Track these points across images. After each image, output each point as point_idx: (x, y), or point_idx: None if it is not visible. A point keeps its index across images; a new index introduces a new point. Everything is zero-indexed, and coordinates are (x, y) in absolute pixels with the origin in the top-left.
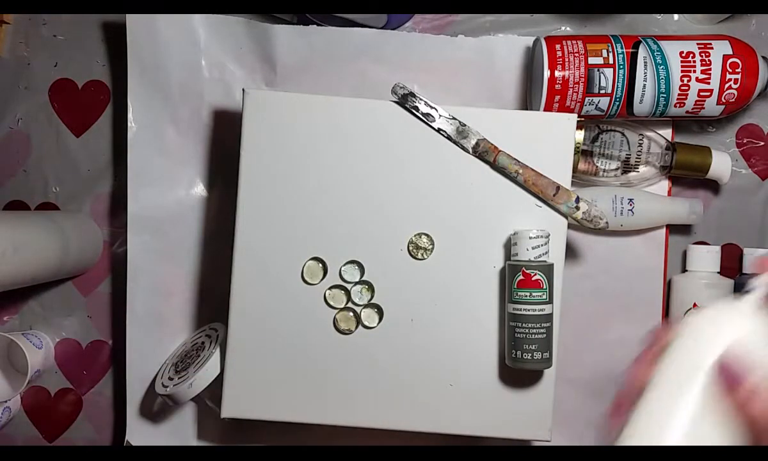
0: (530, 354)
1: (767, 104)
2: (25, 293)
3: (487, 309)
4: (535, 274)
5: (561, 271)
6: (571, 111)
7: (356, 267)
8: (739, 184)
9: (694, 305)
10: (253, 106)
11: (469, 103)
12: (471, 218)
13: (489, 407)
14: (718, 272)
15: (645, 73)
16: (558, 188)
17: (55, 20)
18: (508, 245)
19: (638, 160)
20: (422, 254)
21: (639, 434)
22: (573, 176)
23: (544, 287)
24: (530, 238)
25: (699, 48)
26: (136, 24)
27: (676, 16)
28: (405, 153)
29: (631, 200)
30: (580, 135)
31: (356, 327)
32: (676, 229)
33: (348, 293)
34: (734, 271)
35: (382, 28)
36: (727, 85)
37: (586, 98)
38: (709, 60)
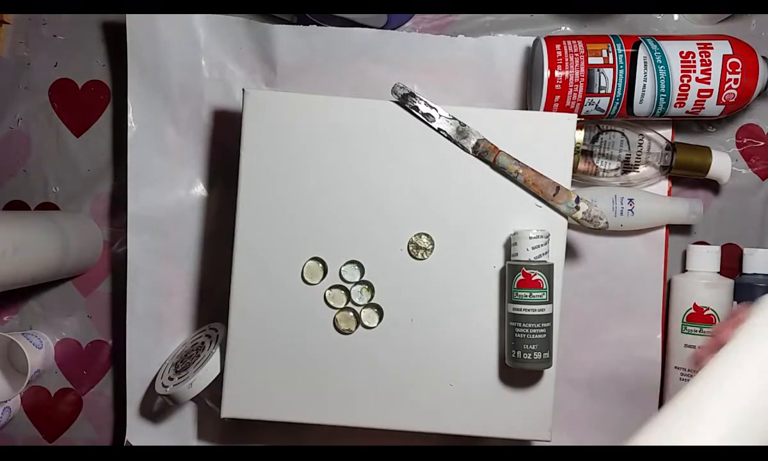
0: (530, 354)
1: (767, 104)
2: (25, 293)
3: (487, 309)
4: (535, 274)
5: (561, 271)
6: (571, 111)
7: (356, 267)
8: (739, 184)
9: (694, 305)
10: (253, 106)
11: (469, 103)
12: (471, 218)
13: (489, 407)
14: (718, 272)
15: (645, 73)
16: (558, 188)
17: (55, 20)
18: (508, 245)
19: (638, 160)
20: (422, 254)
21: (717, 370)
22: (573, 176)
23: (544, 287)
24: (530, 238)
25: (699, 48)
26: (136, 24)
27: (676, 16)
28: (405, 153)
29: (631, 200)
30: (580, 135)
31: (356, 327)
32: (676, 229)
33: (348, 293)
34: (734, 271)
35: (382, 28)
36: (727, 85)
37: (586, 98)
38: (709, 60)
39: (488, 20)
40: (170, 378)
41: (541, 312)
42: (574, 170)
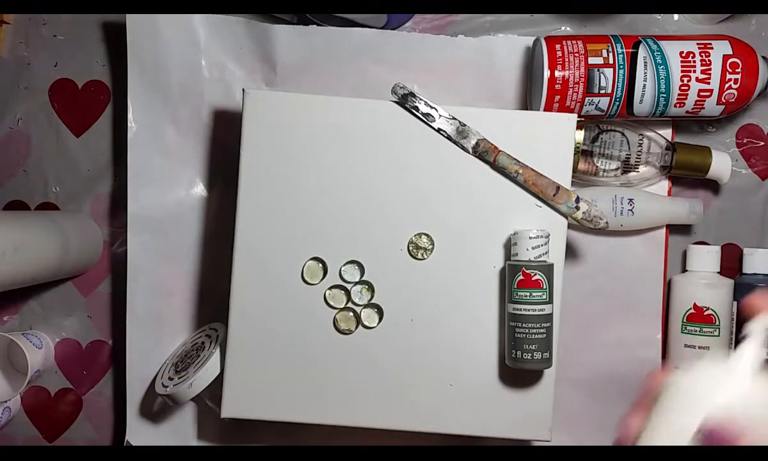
0: (530, 354)
1: (767, 104)
2: (25, 293)
3: (487, 309)
4: (535, 274)
5: (561, 271)
6: (571, 111)
7: (356, 267)
8: (739, 184)
9: (694, 305)
10: (253, 106)
11: (469, 103)
12: (471, 218)
13: (489, 407)
14: (718, 272)
15: (645, 73)
16: (558, 188)
17: (55, 20)
18: (508, 245)
19: (638, 160)
20: (422, 254)
21: None
22: (573, 176)
23: (544, 287)
24: (530, 238)
25: (699, 48)
26: (136, 24)
27: (676, 16)
28: (405, 153)
29: (631, 200)
30: (580, 135)
31: (356, 327)
32: (676, 229)
33: (348, 293)
34: (734, 271)
35: (382, 28)
36: (727, 85)
37: (586, 98)
38: (709, 60)
39: (488, 20)
40: (170, 378)
41: (541, 312)
42: (574, 170)
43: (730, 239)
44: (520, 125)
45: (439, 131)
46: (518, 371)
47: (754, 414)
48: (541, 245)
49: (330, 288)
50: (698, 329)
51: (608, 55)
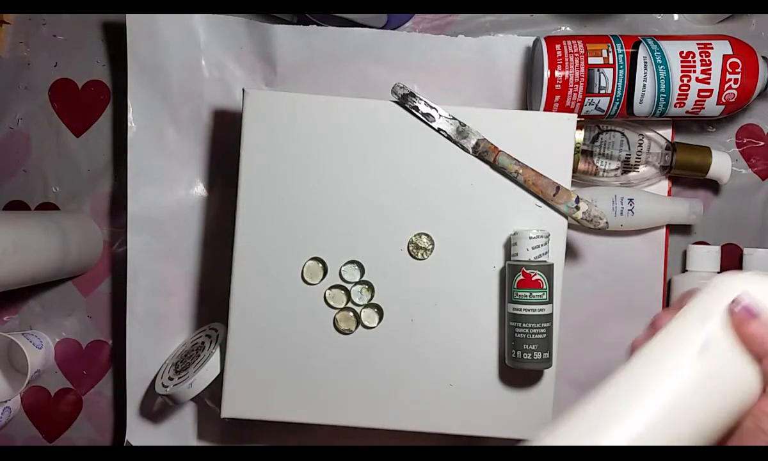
0: (530, 354)
1: (767, 104)
2: (25, 293)
3: (487, 309)
4: (535, 274)
5: (561, 271)
6: (571, 111)
7: (356, 267)
8: (739, 184)
9: None
10: (253, 106)
11: (469, 103)
12: (471, 218)
13: (489, 407)
14: (718, 272)
15: (645, 73)
16: (558, 188)
17: (55, 20)
18: (508, 245)
19: (638, 160)
20: (422, 254)
21: (658, 350)
22: (573, 176)
23: (544, 287)
24: (530, 238)
25: (699, 48)
26: (136, 24)
27: (676, 16)
28: (405, 153)
29: (631, 200)
30: (580, 135)
31: (356, 327)
32: (676, 229)
33: (348, 293)
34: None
35: (382, 28)
36: (727, 85)
37: (586, 98)
38: (709, 60)
39: (488, 20)
40: (170, 378)
41: (541, 312)
42: (574, 170)
43: (730, 239)
44: (520, 125)
45: (439, 131)
46: (518, 371)
47: None
48: (541, 245)
49: (330, 288)
50: None
51: (608, 55)
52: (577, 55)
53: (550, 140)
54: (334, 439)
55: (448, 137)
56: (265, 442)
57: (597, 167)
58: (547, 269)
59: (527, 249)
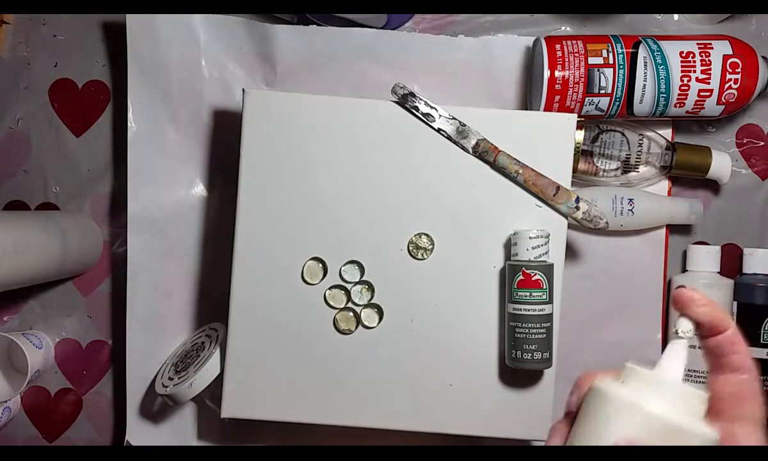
0: (530, 354)
1: (767, 104)
2: (25, 293)
3: (487, 309)
4: (535, 274)
5: (561, 271)
6: (571, 111)
7: (356, 267)
8: (739, 184)
9: None
10: (253, 106)
11: (469, 103)
12: (471, 218)
13: (489, 407)
14: (718, 272)
15: (645, 73)
16: (558, 188)
17: (55, 20)
18: (508, 245)
19: (638, 160)
20: (422, 254)
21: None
22: (573, 176)
23: (544, 287)
24: (530, 238)
25: (699, 48)
26: (136, 24)
27: (676, 16)
28: (405, 153)
29: (631, 200)
30: (580, 135)
31: (356, 327)
32: (676, 229)
33: (348, 293)
34: (734, 271)
35: (382, 28)
36: (727, 85)
37: (586, 98)
38: (709, 60)
39: (488, 20)
40: (170, 378)
41: (541, 312)
42: (574, 170)
43: (730, 239)
44: (520, 125)
45: (439, 131)
46: (518, 371)
47: (660, 440)
48: (541, 245)
49: (330, 288)
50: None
51: (608, 55)
52: (577, 55)
53: (550, 140)
54: (334, 439)
55: (448, 137)
56: (265, 442)
57: (597, 167)
58: (547, 269)
59: (527, 249)
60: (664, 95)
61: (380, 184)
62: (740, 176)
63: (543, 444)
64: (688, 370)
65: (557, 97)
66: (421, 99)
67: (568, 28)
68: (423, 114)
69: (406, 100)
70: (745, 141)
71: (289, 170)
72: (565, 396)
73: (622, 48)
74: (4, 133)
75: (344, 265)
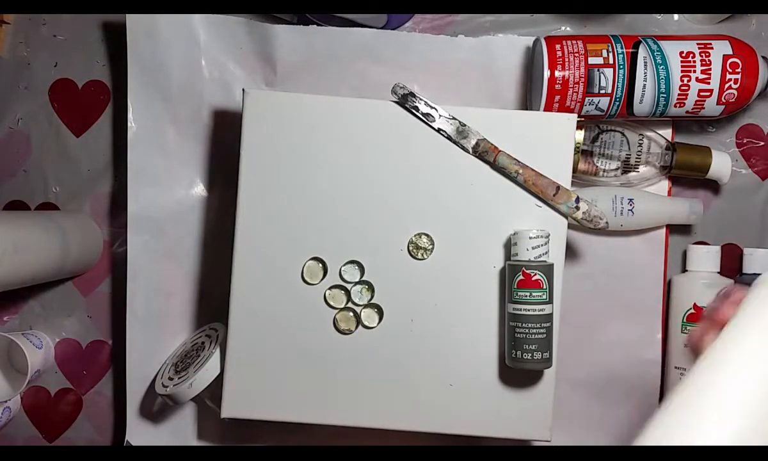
0: (530, 354)
1: (767, 104)
2: (25, 293)
3: (487, 309)
4: (535, 274)
5: (561, 271)
6: (571, 111)
7: (356, 267)
8: (739, 184)
9: (694, 305)
10: (253, 106)
11: (469, 103)
12: (471, 218)
13: (489, 407)
14: (718, 272)
15: (645, 73)
16: (558, 188)
17: (55, 20)
18: (508, 245)
19: (638, 160)
20: (422, 254)
21: (719, 360)
22: (573, 176)
23: (544, 287)
24: (530, 238)
25: (699, 48)
26: (136, 24)
27: (676, 16)
28: (405, 153)
29: (631, 200)
30: (580, 135)
31: (356, 327)
32: (676, 229)
33: (348, 293)
34: (734, 271)
35: (382, 28)
36: (727, 85)
37: (586, 98)
38: (709, 60)
39: (488, 20)
40: (170, 378)
41: (541, 312)
42: (574, 170)
43: (730, 239)
44: (520, 125)
45: (439, 131)
46: (518, 371)
47: None
48: (541, 245)
49: (330, 288)
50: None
51: (608, 55)
52: (577, 55)
53: (550, 140)
54: (334, 439)
55: (448, 137)
56: (265, 442)
57: (597, 167)
58: (547, 269)
59: (527, 249)
60: (664, 95)
61: (380, 184)
62: (740, 176)
63: (545, 443)
64: (675, 366)
65: (557, 97)
66: (421, 99)
67: (568, 28)
68: (423, 114)
69: (406, 100)
70: (745, 141)
71: (289, 170)
72: (565, 396)
73: (622, 48)
74: (4, 133)
75: (344, 265)
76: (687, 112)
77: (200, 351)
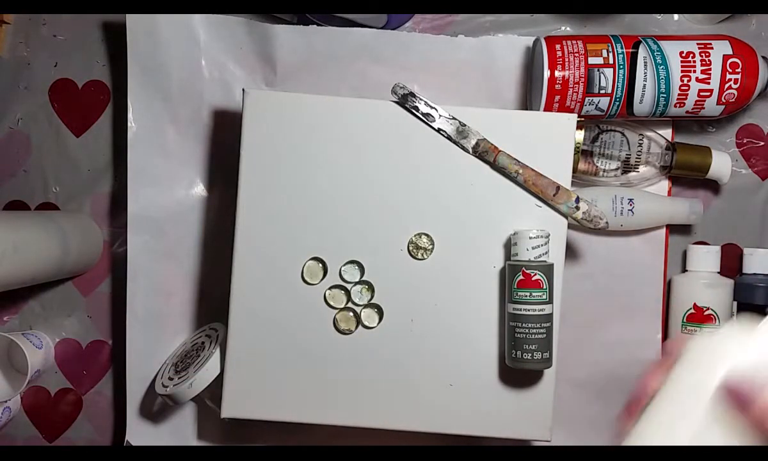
0: (530, 354)
1: (767, 104)
2: (25, 293)
3: (487, 309)
4: (535, 274)
5: (561, 271)
6: (571, 111)
7: (356, 267)
8: (739, 184)
9: (694, 305)
10: (253, 106)
11: (469, 103)
12: (471, 218)
13: (489, 407)
14: (718, 272)
15: (645, 73)
16: (558, 188)
17: (55, 20)
18: (508, 245)
19: (638, 160)
20: (422, 254)
21: (646, 437)
22: (573, 176)
23: (544, 287)
24: (530, 238)
25: (699, 48)
26: (136, 24)
27: (676, 16)
28: (405, 153)
29: (631, 200)
30: (580, 135)
31: (356, 327)
32: (676, 229)
33: (348, 293)
34: (734, 271)
35: (382, 28)
36: (727, 85)
37: (586, 98)
38: (709, 60)
39: (488, 20)
40: (170, 378)
41: (541, 312)
42: (574, 170)
43: (730, 239)
44: (520, 125)
45: (439, 131)
46: (518, 371)
47: None
48: (541, 245)
49: (330, 288)
50: (698, 329)
51: (608, 55)
52: (577, 55)
53: (550, 140)
54: (334, 439)
55: (448, 137)
56: (265, 442)
57: (597, 167)
58: (547, 269)
59: (527, 249)
60: (664, 95)
61: (380, 184)
62: (740, 176)
63: (545, 443)
64: None
65: (557, 97)
66: (421, 99)
67: (568, 28)
68: (423, 114)
69: (406, 100)
70: (745, 141)
71: (289, 170)
72: (565, 396)
73: (622, 48)
74: (4, 133)
75: (344, 265)
76: (687, 112)
77: (200, 351)
